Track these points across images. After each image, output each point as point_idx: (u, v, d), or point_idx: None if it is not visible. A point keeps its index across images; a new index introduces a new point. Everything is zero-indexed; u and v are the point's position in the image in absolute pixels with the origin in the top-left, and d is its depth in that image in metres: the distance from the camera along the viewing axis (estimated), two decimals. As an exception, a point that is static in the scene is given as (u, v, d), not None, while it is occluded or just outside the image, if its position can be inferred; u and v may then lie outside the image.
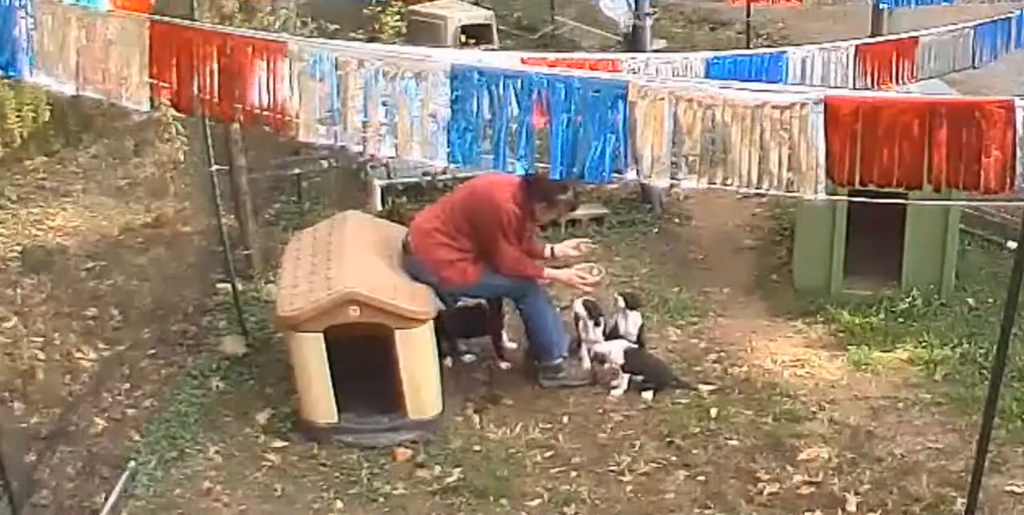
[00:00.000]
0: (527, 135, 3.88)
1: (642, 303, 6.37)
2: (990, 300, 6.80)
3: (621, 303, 6.29)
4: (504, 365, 6.32)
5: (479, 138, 3.92)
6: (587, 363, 6.17)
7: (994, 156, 3.57)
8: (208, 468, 5.46)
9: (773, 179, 3.76)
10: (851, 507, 5.07)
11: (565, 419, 5.83)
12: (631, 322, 6.24)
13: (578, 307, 6.20)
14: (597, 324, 6.17)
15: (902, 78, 6.05)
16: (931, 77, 6.35)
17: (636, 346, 6.14)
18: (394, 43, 8.73)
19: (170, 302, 6.91)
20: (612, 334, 6.22)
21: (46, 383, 5.94)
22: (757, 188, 3.80)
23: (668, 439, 5.62)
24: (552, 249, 6.29)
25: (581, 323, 6.20)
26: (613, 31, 10.88)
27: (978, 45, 6.51)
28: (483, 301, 6.31)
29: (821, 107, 3.68)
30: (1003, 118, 3.54)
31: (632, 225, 8.22)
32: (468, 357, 6.36)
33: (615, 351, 6.03)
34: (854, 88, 5.59)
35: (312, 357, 5.44)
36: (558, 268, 6.26)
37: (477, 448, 5.58)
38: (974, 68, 6.70)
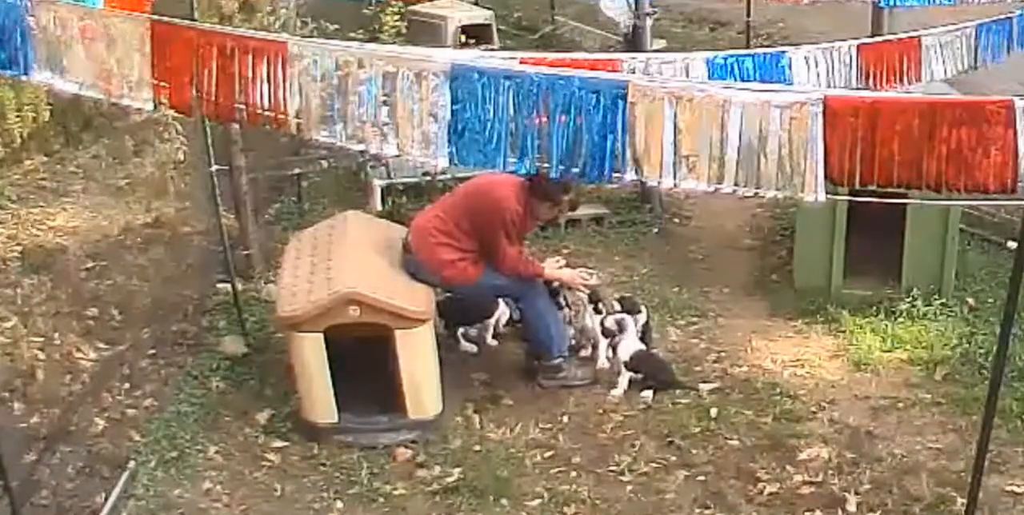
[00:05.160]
0: (527, 135, 3.88)
1: (640, 308, 6.34)
2: (990, 300, 6.80)
3: (617, 307, 6.29)
4: (492, 342, 6.43)
5: (479, 138, 3.92)
6: (602, 361, 6.18)
7: (994, 156, 3.57)
8: (208, 468, 5.46)
9: (773, 179, 3.76)
10: (851, 507, 5.07)
11: (565, 419, 5.84)
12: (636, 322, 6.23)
13: (580, 293, 6.23)
14: (597, 311, 6.18)
15: (904, 79, 6.04)
16: (934, 79, 6.33)
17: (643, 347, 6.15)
18: (394, 43, 8.72)
19: (170, 302, 6.90)
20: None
21: (46, 383, 5.92)
22: (757, 188, 3.80)
23: (668, 439, 5.62)
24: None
25: (578, 310, 6.23)
26: (613, 31, 10.87)
27: (979, 45, 6.50)
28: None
29: (821, 107, 3.68)
30: (1003, 118, 3.54)
31: (632, 225, 8.22)
32: (468, 346, 6.41)
33: (628, 336, 6.05)
34: (854, 88, 5.59)
35: (312, 357, 5.44)
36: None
37: (477, 448, 5.58)
38: (974, 69, 6.69)
